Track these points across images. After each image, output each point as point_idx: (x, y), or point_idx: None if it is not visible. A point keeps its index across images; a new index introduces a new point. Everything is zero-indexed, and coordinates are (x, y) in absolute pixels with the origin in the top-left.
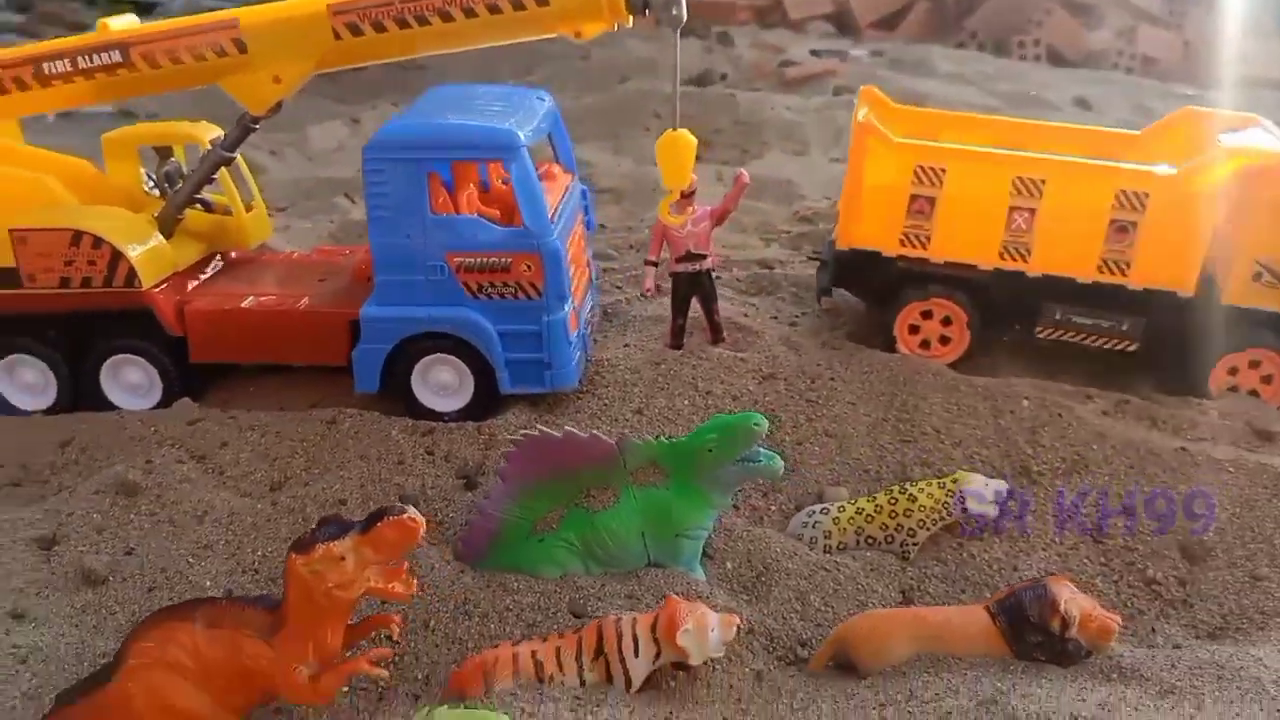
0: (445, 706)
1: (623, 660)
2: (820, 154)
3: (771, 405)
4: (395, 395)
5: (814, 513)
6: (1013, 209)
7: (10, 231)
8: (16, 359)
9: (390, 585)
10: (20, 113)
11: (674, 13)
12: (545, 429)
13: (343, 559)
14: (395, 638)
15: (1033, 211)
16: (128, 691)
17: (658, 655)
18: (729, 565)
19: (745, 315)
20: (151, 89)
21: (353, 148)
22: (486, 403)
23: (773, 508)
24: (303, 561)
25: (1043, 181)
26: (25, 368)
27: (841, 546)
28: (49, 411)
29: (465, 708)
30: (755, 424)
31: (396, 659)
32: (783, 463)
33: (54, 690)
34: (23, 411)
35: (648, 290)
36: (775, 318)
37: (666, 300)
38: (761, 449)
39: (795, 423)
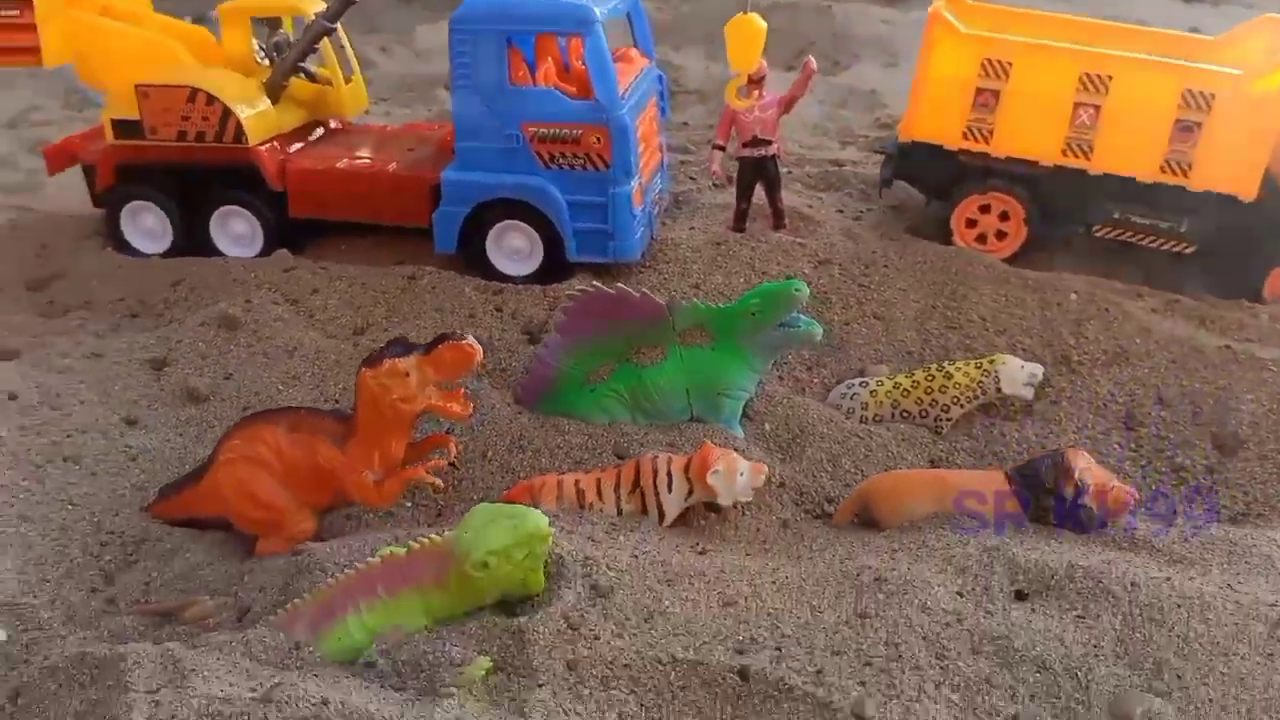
0: None
1: (657, 494)
2: (911, 66)
3: (824, 288)
4: (471, 259)
5: (853, 385)
6: (1078, 105)
7: (135, 86)
8: (139, 205)
9: (448, 404)
10: None
11: None
12: (601, 285)
13: (407, 374)
14: (452, 457)
15: (1098, 108)
16: (218, 481)
17: (690, 493)
18: (767, 426)
19: (810, 207)
20: None
21: None
22: (554, 270)
23: (815, 380)
24: (371, 374)
25: (1109, 78)
26: (146, 214)
27: (877, 418)
28: (164, 255)
29: None
30: (796, 290)
31: (455, 483)
32: (822, 329)
33: (158, 484)
34: (142, 253)
35: (714, 173)
36: (840, 211)
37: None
38: (801, 315)
39: (845, 304)
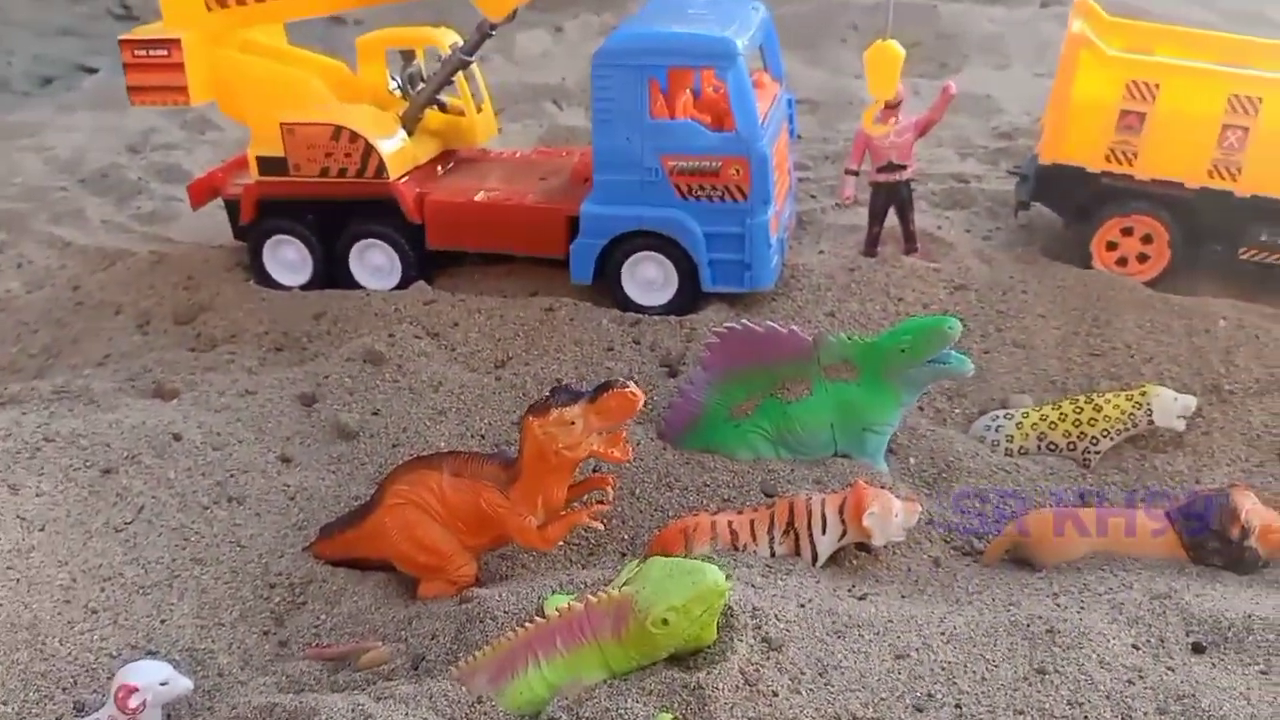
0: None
1: (811, 536)
2: (1023, 69)
3: (961, 315)
4: (603, 288)
5: (998, 417)
6: (1226, 127)
7: (280, 124)
8: (280, 239)
9: (610, 450)
10: (285, 17)
11: None
12: (749, 322)
13: (573, 423)
14: (609, 499)
15: (1246, 130)
16: (384, 524)
17: (843, 534)
18: (912, 461)
19: (939, 228)
20: None
21: (557, 55)
22: (688, 299)
23: (956, 411)
24: (539, 423)
25: (1259, 99)
26: (287, 247)
27: (1023, 451)
28: (304, 287)
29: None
30: (949, 327)
31: (606, 521)
32: (973, 365)
33: (317, 524)
34: (283, 286)
35: (847, 198)
36: (969, 231)
37: (861, 210)
38: (953, 351)
39: (984, 332)
